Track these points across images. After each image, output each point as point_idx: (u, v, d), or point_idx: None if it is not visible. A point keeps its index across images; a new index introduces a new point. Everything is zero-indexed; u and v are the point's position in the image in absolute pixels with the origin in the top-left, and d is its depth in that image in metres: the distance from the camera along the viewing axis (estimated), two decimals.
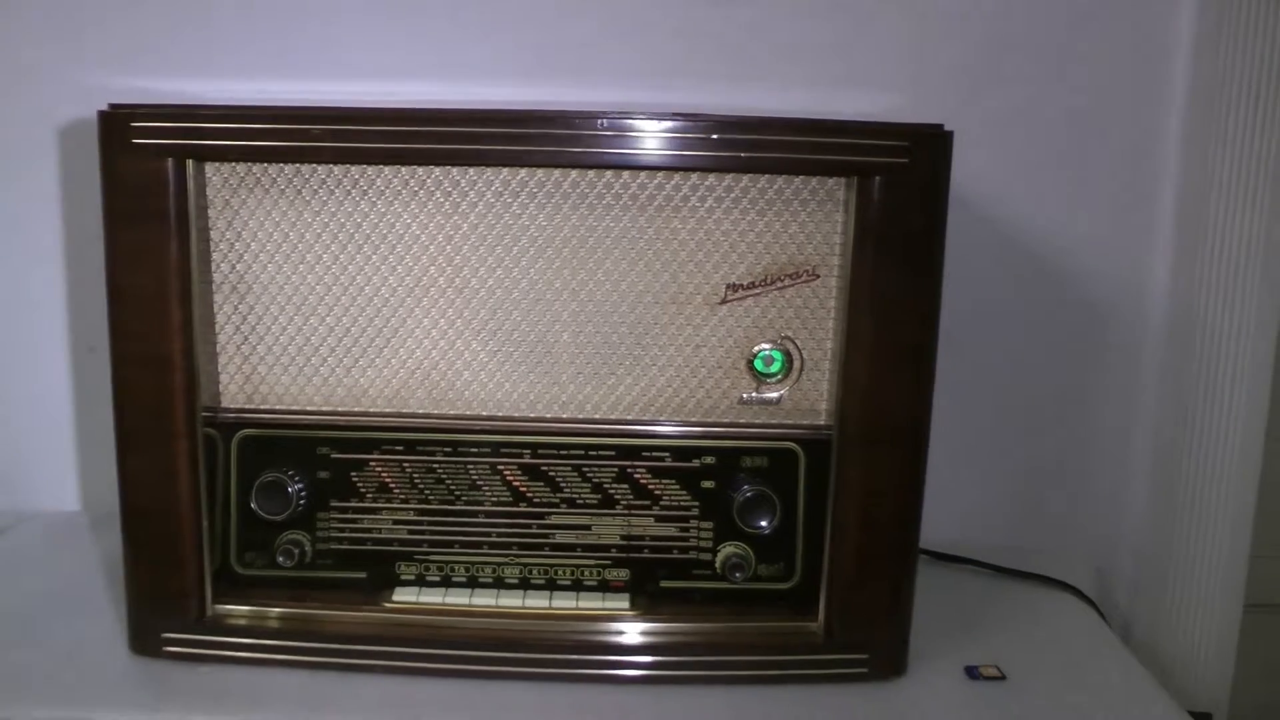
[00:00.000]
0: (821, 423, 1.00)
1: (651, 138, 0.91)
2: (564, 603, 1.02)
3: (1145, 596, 1.33)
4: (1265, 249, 1.22)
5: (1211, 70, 1.22)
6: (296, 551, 1.02)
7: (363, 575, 1.03)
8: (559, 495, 1.02)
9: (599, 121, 0.91)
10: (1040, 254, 1.29)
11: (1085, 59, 1.26)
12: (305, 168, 0.97)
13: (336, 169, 0.96)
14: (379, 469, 1.01)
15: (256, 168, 0.97)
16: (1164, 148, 1.28)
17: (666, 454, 1.01)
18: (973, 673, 1.01)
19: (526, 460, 1.01)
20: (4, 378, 1.33)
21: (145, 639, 1.01)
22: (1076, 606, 1.18)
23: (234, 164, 0.97)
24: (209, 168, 0.97)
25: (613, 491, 1.02)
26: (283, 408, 1.01)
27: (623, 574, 1.03)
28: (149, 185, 0.94)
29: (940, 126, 0.91)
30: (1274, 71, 1.20)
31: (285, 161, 0.96)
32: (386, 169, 0.96)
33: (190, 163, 0.95)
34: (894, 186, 0.91)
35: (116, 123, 0.93)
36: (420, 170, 0.97)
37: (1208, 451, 1.27)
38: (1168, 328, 1.30)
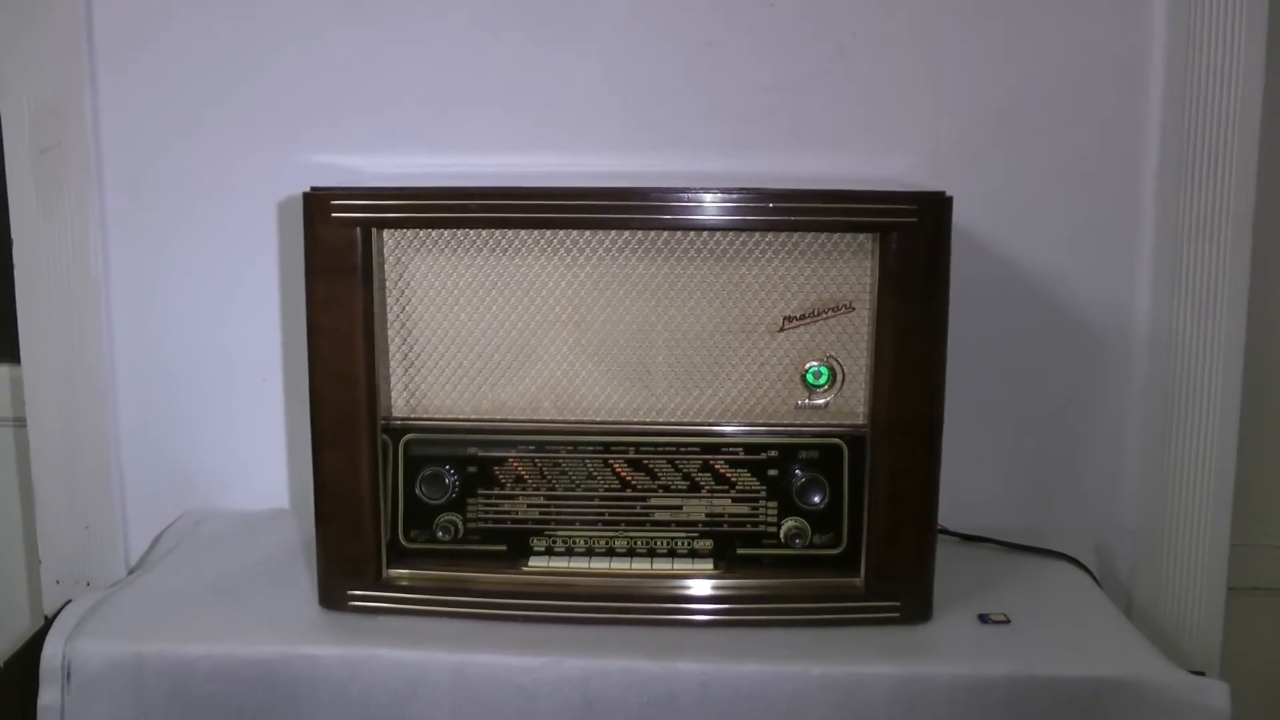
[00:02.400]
0: (860, 422, 1.25)
1: (723, 206, 1.18)
2: (661, 566, 1.28)
3: (1142, 571, 1.57)
4: (1230, 275, 1.48)
5: (1179, 133, 1.48)
6: (452, 529, 1.28)
7: (503, 547, 1.29)
8: (656, 483, 1.28)
9: (684, 195, 1.18)
10: (1043, 287, 1.54)
11: (1071, 126, 1.51)
12: (460, 232, 1.23)
13: (484, 232, 1.23)
14: (516, 464, 1.28)
15: (422, 232, 1.23)
16: (1142, 198, 1.52)
17: (739, 449, 1.27)
18: (984, 619, 1.28)
19: (631, 456, 1.27)
20: (229, 400, 1.61)
21: (333, 596, 1.27)
22: (1075, 574, 1.43)
23: (405, 230, 1.24)
24: (385, 233, 1.23)
25: (698, 479, 1.27)
26: (440, 417, 1.28)
27: (707, 543, 1.28)
28: (343, 248, 1.20)
29: (942, 193, 1.18)
30: (1231, 134, 1.46)
31: (447, 228, 1.23)
32: (523, 231, 1.23)
33: (374, 230, 1.22)
34: (906, 240, 1.18)
35: (318, 201, 1.20)
36: (549, 232, 1.22)
37: (1189, 447, 1.52)
38: (1150, 344, 1.54)
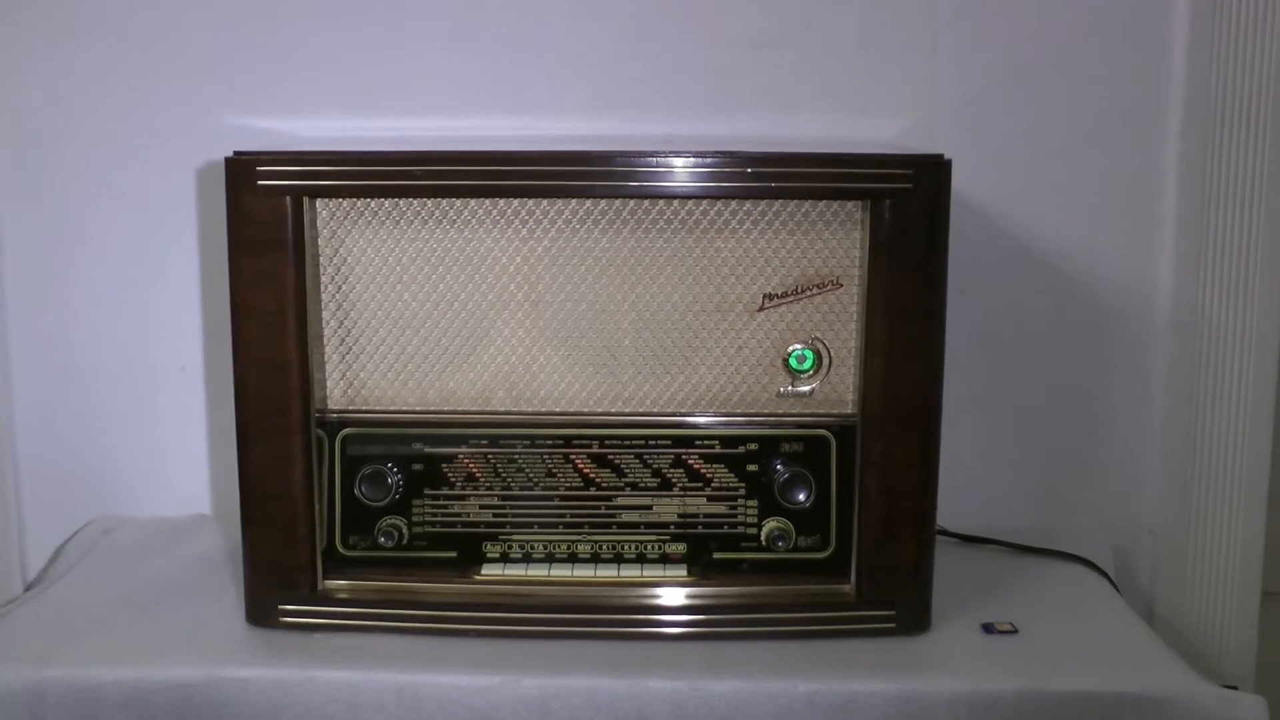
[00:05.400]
0: (849, 411, 1.29)
1: (697, 172, 1.21)
2: (630, 573, 1.31)
3: (1165, 575, 1.62)
4: (1264, 247, 1.52)
5: (1206, 87, 1.52)
6: (395, 534, 1.30)
7: (454, 554, 1.32)
8: (623, 480, 1.31)
9: (652, 159, 1.21)
10: (1053, 261, 1.58)
11: (1084, 83, 1.55)
12: (402, 201, 1.26)
13: (430, 202, 1.26)
14: (466, 460, 1.31)
15: (360, 201, 1.26)
16: (1163, 161, 1.56)
17: (715, 442, 1.31)
18: (989, 628, 1.32)
19: (595, 450, 1.31)
20: (142, 392, 1.63)
21: (262, 611, 1.30)
22: (1090, 578, 1.47)
23: (341, 199, 1.26)
24: (319, 202, 1.25)
25: (670, 475, 1.31)
26: (381, 409, 1.31)
27: (680, 547, 1.32)
28: (271, 219, 1.22)
29: (940, 156, 1.21)
30: (1264, 87, 1.50)
31: (388, 197, 1.25)
32: (473, 201, 1.25)
33: (305, 199, 1.23)
34: (900, 208, 1.21)
35: (243, 167, 1.22)
36: (502, 202, 1.25)
37: (1218, 438, 1.56)
38: (1173, 324, 1.58)
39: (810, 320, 1.30)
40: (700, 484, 1.33)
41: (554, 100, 1.58)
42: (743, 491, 1.33)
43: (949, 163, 1.23)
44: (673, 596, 1.32)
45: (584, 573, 1.33)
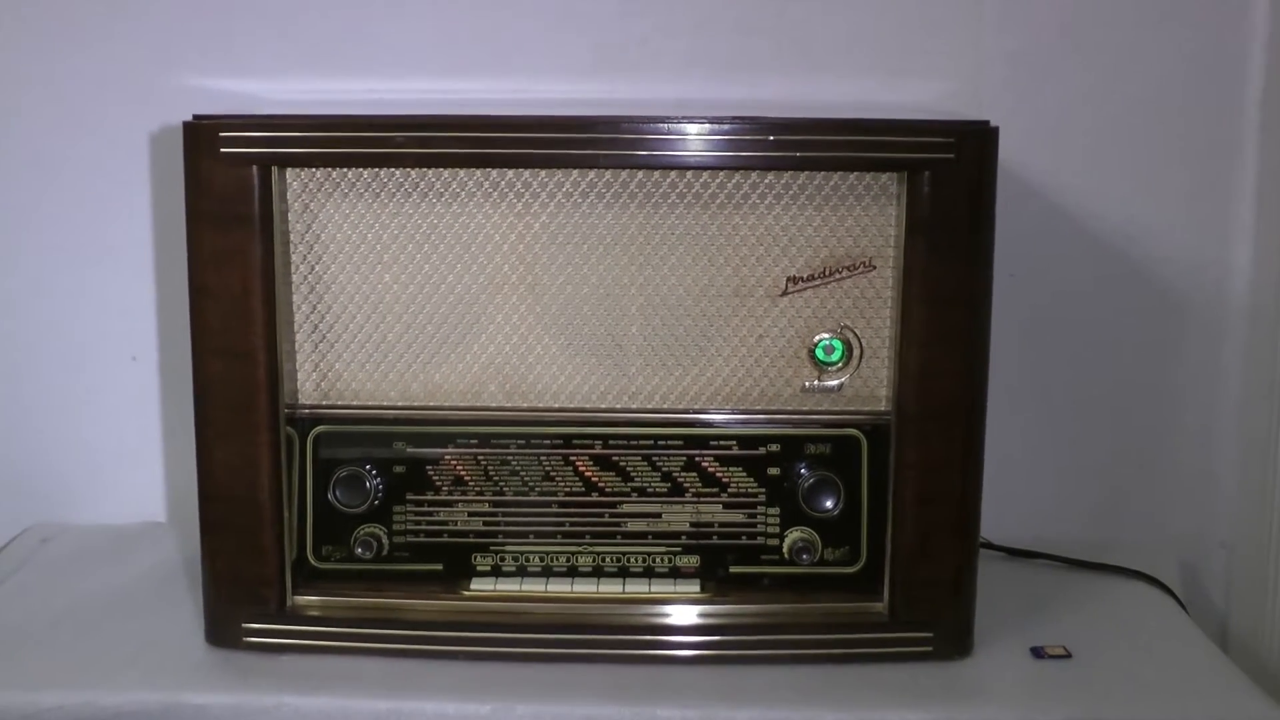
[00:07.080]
0: (882, 409, 1.31)
1: (712, 140, 1.23)
2: (636, 588, 1.33)
3: (1241, 594, 1.64)
4: None
5: None
6: (374, 544, 1.33)
7: (439, 567, 1.35)
8: (629, 484, 1.34)
9: (663, 125, 1.23)
10: (1114, 244, 1.60)
11: (1150, 41, 1.57)
12: (383, 172, 1.28)
13: (414, 173, 1.28)
14: (454, 462, 1.34)
15: (335, 172, 1.28)
16: (1240, 130, 1.58)
17: (733, 442, 1.34)
18: (1038, 653, 1.34)
19: (598, 451, 1.34)
20: (87, 385, 1.66)
21: (224, 630, 1.33)
22: (1154, 596, 1.49)
23: (314, 169, 1.28)
24: (289, 173, 1.28)
25: (681, 480, 1.34)
26: (359, 403, 1.33)
27: (693, 560, 1.35)
28: (235, 191, 1.24)
29: (986, 123, 1.24)
30: None
31: (367, 167, 1.27)
32: (462, 172, 1.28)
33: (274, 169, 1.25)
34: (942, 181, 1.23)
35: (203, 133, 1.24)
36: (494, 173, 1.27)
37: None
38: (1251, 314, 1.60)
39: (839, 306, 1.32)
40: (715, 489, 1.35)
41: (553, 60, 1.60)
42: (763, 498, 1.35)
43: (995, 130, 1.25)
44: (684, 615, 1.34)
45: (585, 588, 1.35)
